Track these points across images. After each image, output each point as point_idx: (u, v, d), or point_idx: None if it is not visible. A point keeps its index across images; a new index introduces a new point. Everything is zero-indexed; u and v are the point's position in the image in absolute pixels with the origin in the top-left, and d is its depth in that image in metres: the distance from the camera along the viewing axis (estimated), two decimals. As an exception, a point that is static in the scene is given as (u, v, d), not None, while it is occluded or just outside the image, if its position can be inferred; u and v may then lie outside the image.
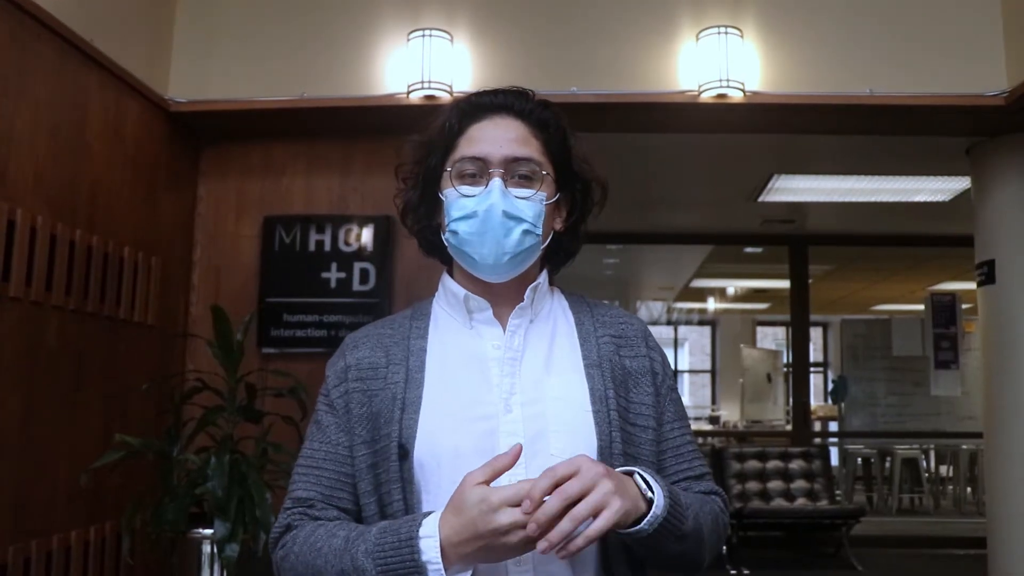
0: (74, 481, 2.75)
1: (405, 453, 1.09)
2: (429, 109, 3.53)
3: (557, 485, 0.93)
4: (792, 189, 5.10)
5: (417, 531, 0.99)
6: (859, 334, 7.37)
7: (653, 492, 1.02)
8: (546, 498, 0.93)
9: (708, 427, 11.69)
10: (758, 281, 9.66)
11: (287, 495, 1.17)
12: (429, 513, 1.02)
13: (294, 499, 1.15)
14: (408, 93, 3.48)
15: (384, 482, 1.10)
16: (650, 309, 12.19)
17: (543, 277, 1.22)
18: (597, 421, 1.12)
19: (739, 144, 4.34)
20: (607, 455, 1.10)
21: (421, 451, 1.09)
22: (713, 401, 13.92)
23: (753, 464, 5.94)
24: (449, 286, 1.21)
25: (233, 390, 2.76)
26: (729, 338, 13.33)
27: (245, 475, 2.56)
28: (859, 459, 8.07)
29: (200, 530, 2.61)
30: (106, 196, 3.18)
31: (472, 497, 0.95)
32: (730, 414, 12.01)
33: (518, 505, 0.93)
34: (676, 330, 14.44)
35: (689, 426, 1.25)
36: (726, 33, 3.36)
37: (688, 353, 15.22)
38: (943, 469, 8.39)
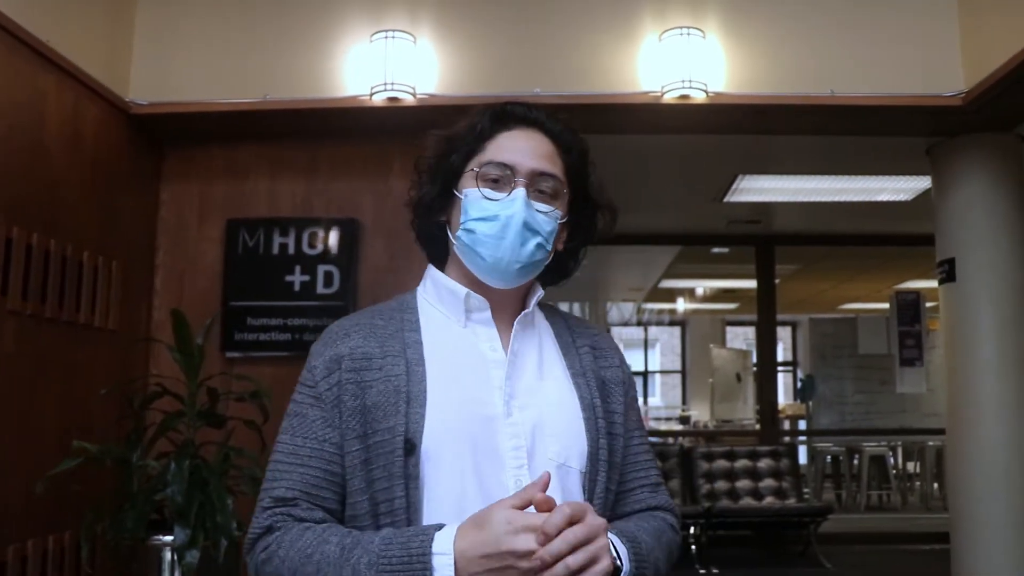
0: (31, 490, 2.69)
1: (412, 448, 1.06)
2: (392, 111, 3.59)
3: (569, 523, 0.95)
4: (757, 189, 5.14)
5: (430, 547, 0.97)
6: (826, 333, 7.46)
7: (621, 560, 1.04)
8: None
9: (679, 427, 11.73)
10: (726, 281, 9.70)
11: (264, 492, 1.10)
12: (439, 526, 1.00)
13: (275, 498, 1.09)
14: (371, 95, 3.46)
15: (379, 479, 1.07)
16: (621, 310, 12.22)
17: (540, 288, 1.26)
18: (587, 428, 1.16)
19: (704, 145, 4.36)
20: (594, 461, 1.15)
21: (429, 446, 1.07)
22: (683, 401, 13.98)
23: (722, 463, 5.97)
24: (443, 282, 1.22)
25: (194, 395, 2.73)
26: (699, 338, 13.39)
27: (206, 480, 2.53)
28: (828, 457, 8.15)
29: (160, 537, 2.57)
30: (65, 199, 3.12)
31: (501, 516, 0.95)
32: (700, 414, 12.06)
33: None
34: (646, 330, 14.50)
35: (647, 435, 1.30)
36: (688, 34, 3.38)
37: (659, 354, 15.27)
38: (910, 466, 8.49)
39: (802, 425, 9.86)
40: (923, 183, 4.78)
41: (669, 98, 3.40)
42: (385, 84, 3.42)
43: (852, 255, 7.36)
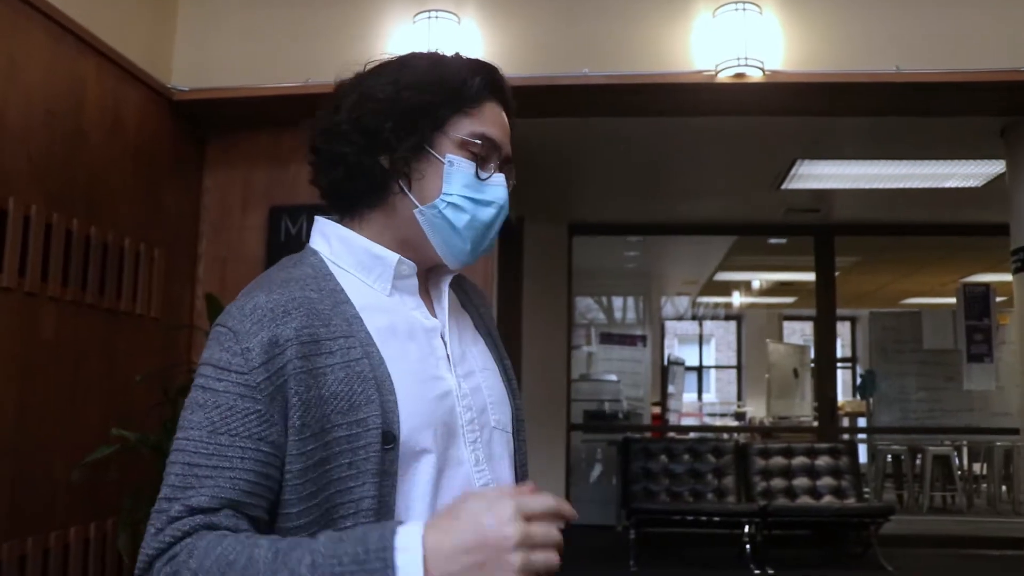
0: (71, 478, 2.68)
1: (391, 440, 0.93)
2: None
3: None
4: (816, 176, 4.92)
5: (392, 540, 0.81)
6: (888, 327, 7.15)
7: None
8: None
9: (734, 423, 11.51)
10: (783, 274, 9.45)
11: (169, 501, 0.87)
12: (398, 523, 0.84)
13: (191, 507, 0.87)
14: (414, 78, 3.36)
15: (340, 479, 0.92)
16: (675, 304, 12.05)
17: None
18: (508, 388, 1.13)
19: (760, 128, 4.18)
20: (517, 420, 1.14)
21: (407, 436, 0.95)
22: (739, 397, 13.73)
23: (778, 460, 5.77)
24: (361, 244, 1.06)
25: (230, 382, 2.66)
26: (755, 333, 13.09)
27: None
28: (888, 456, 7.86)
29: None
30: (105, 185, 3.11)
31: (481, 502, 0.83)
32: (756, 410, 11.82)
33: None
34: (701, 325, 14.27)
35: None
36: (744, 9, 3.22)
37: (714, 348, 15.04)
38: (976, 467, 8.14)
39: (862, 422, 9.54)
40: (995, 167, 4.52)
41: (724, 77, 3.25)
42: (427, 66, 3.32)
43: (916, 246, 7.06)
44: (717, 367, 14.97)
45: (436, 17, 3.36)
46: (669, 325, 13.31)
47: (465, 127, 1.05)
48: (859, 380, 8.58)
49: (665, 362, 9.98)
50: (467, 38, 3.41)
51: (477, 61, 1.09)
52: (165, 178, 3.55)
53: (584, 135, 4.46)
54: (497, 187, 1.06)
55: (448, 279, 1.11)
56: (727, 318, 13.84)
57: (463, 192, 1.04)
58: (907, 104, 3.45)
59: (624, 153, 4.75)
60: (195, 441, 0.91)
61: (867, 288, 9.58)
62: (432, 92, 1.04)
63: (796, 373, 10.72)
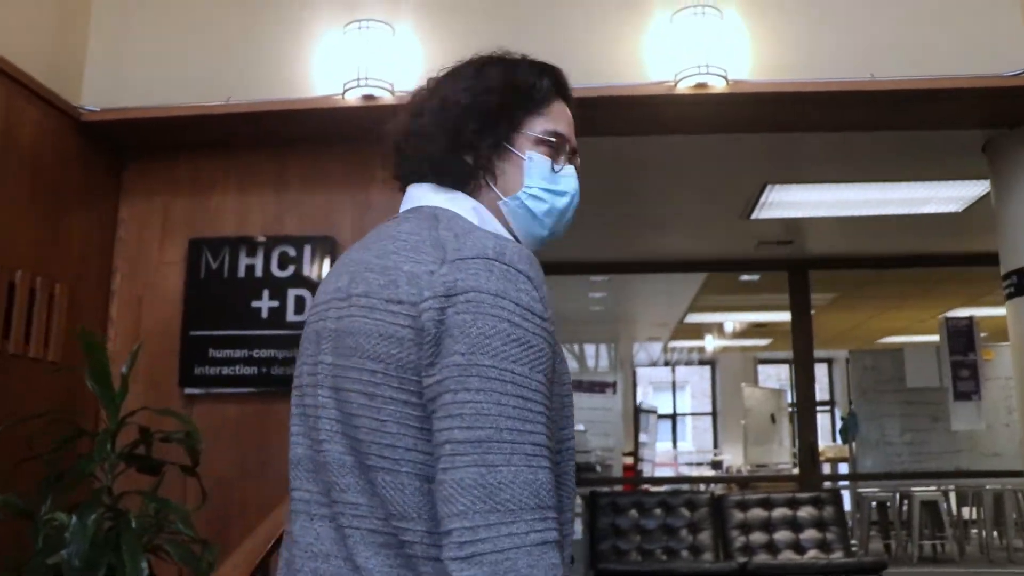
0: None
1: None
2: (369, 111, 3.16)
3: None
4: (788, 203, 4.64)
5: None
6: (869, 367, 6.84)
7: None
8: None
9: (710, 472, 11.14)
10: (757, 314, 9.24)
11: (524, 438, 0.92)
12: None
13: (550, 452, 0.96)
14: (344, 93, 3.05)
15: (565, 415, 1.07)
16: (648, 351, 11.78)
17: None
18: None
19: (727, 149, 3.90)
20: None
21: None
22: (715, 445, 13.38)
23: (757, 513, 5.38)
24: (495, 223, 1.16)
25: (111, 433, 2.27)
26: (730, 378, 12.89)
27: (119, 538, 2.05)
28: (873, 503, 7.51)
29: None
30: (-9, 210, 2.74)
31: None
32: (733, 458, 11.51)
33: None
34: (674, 371, 13.97)
35: None
36: (703, 13, 2.94)
37: (689, 395, 14.72)
38: (965, 511, 7.79)
39: (843, 468, 9.21)
40: (976, 189, 4.26)
41: (684, 87, 2.96)
42: (359, 80, 3.02)
43: (894, 280, 6.81)
44: (692, 414, 14.62)
45: (367, 27, 3.06)
46: (642, 372, 13.01)
47: (539, 125, 1.17)
48: (840, 423, 8.25)
49: (635, 409, 9.66)
50: (403, 48, 3.10)
51: (543, 64, 1.21)
52: (72, 207, 3.20)
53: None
54: (570, 177, 1.19)
55: None
56: (701, 363, 13.63)
57: (541, 184, 1.17)
58: (882, 116, 3.18)
59: (581, 182, 4.44)
60: (524, 376, 0.95)
61: (843, 327, 9.35)
62: (508, 96, 1.16)
63: (773, 418, 10.48)
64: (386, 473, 0.99)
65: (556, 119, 1.18)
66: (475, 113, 1.14)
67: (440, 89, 1.18)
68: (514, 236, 1.16)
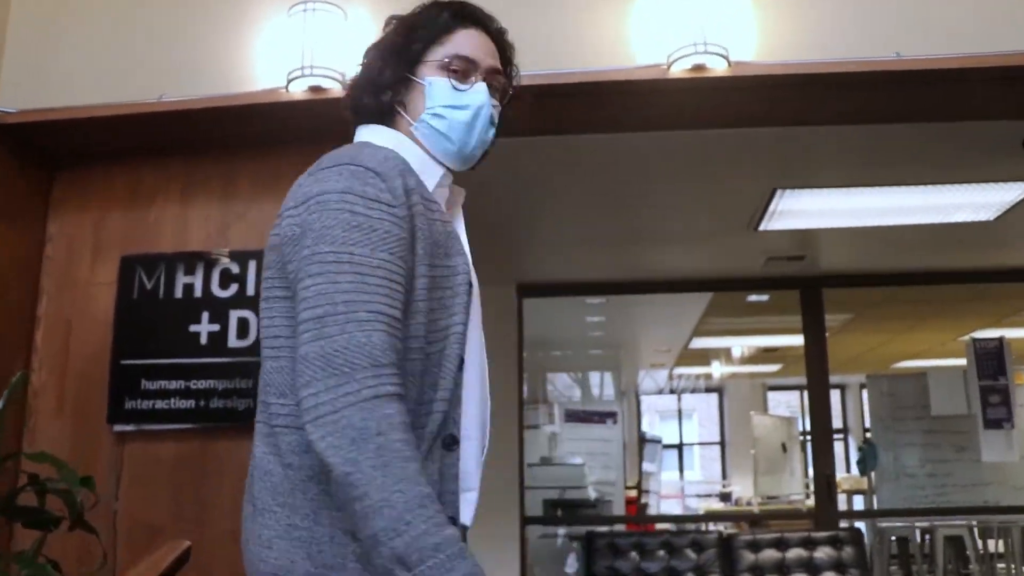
0: None
1: (470, 288, 1.26)
2: (319, 105, 2.71)
3: None
4: (799, 211, 4.20)
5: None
6: (888, 393, 6.36)
7: None
8: None
9: (719, 505, 10.65)
10: (766, 337, 8.77)
11: (352, 307, 1.08)
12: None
13: (388, 318, 1.10)
14: (288, 84, 2.66)
15: (443, 306, 1.20)
16: (655, 378, 11.36)
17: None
18: None
19: (731, 149, 3.48)
20: None
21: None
22: (723, 475, 12.87)
23: (770, 554, 4.90)
24: (415, 150, 1.35)
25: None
26: (738, 406, 12.41)
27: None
28: (892, 537, 7.02)
29: None
30: None
31: None
32: (743, 489, 11.02)
33: None
34: (680, 399, 13.50)
35: None
36: (701, -17, 2.53)
37: (696, 424, 14.24)
38: (991, 543, 7.27)
39: (858, 501, 8.71)
40: (1012, 193, 3.82)
41: (678, 70, 2.54)
42: (303, 68, 2.61)
43: (915, 298, 6.34)
44: (699, 444, 14.13)
45: (313, 10, 2.66)
46: (648, 401, 12.58)
47: (439, 53, 1.36)
48: (858, 454, 7.77)
49: (639, 440, 9.23)
50: (355, 37, 2.70)
51: (448, 1, 1.40)
52: None
53: (525, 174, 3.75)
54: (475, 93, 1.35)
55: (460, 194, 1.45)
56: (708, 390, 13.15)
57: (442, 103, 1.33)
58: (908, 104, 2.76)
59: (574, 196, 4.04)
60: (358, 255, 1.11)
61: (856, 350, 8.89)
62: (405, 34, 1.38)
63: (784, 447, 10.05)
64: (272, 360, 1.20)
65: (458, 44, 1.35)
66: (382, 57, 1.37)
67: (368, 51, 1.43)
68: (435, 158, 1.35)
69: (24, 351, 3.01)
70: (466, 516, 1.24)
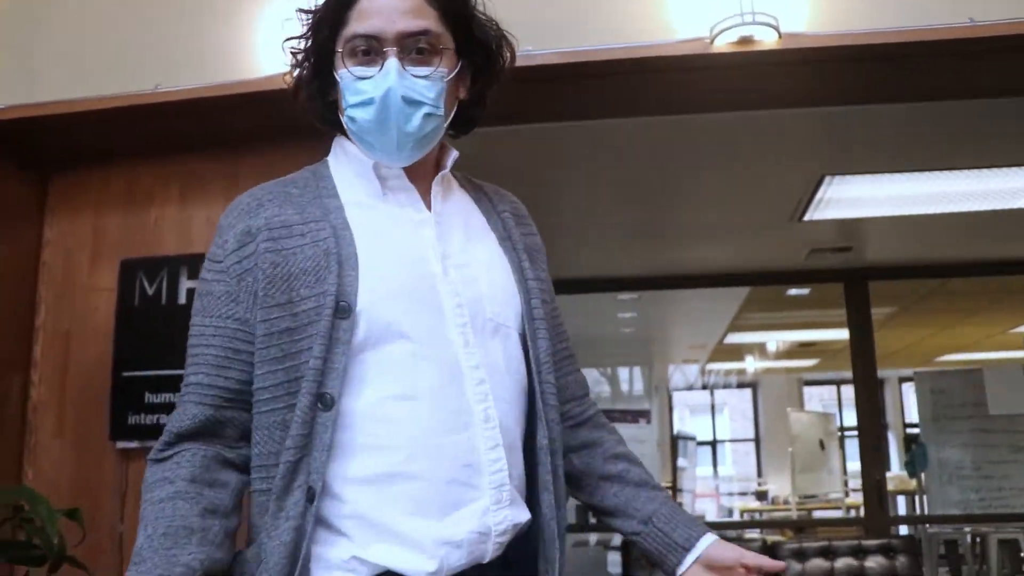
0: None
1: (345, 311, 1.06)
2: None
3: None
4: (848, 200, 3.90)
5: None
6: (940, 389, 6.04)
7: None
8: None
9: (755, 504, 10.37)
10: (804, 332, 8.47)
11: (184, 381, 1.12)
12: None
13: (197, 387, 1.10)
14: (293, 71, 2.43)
15: (307, 348, 1.05)
16: (684, 373, 11.11)
17: (453, 149, 1.24)
18: (520, 289, 1.18)
19: (777, 132, 3.22)
20: (531, 321, 1.17)
21: (365, 308, 1.06)
22: (759, 473, 12.57)
23: (818, 564, 4.60)
24: (353, 151, 1.19)
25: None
26: (773, 401, 12.12)
27: None
28: (942, 540, 6.72)
29: None
30: None
31: None
32: (780, 488, 10.75)
33: None
34: (712, 395, 13.20)
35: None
36: (748, -54, 2.27)
37: (727, 418, 13.95)
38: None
39: (900, 504, 8.37)
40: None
41: (722, 44, 2.29)
42: (310, 51, 2.39)
43: (962, 290, 6.02)
44: (733, 440, 13.83)
45: (322, -14, 2.43)
46: (678, 396, 12.33)
47: (342, 37, 1.13)
48: (906, 454, 7.45)
49: (672, 438, 8.99)
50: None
51: None
52: None
53: (550, 163, 3.51)
54: (379, 79, 1.10)
55: (436, 178, 1.20)
56: (740, 385, 12.89)
57: (352, 102, 1.12)
58: (982, 77, 2.48)
59: (603, 186, 3.79)
60: (193, 327, 1.13)
61: (897, 345, 8.57)
62: (314, 23, 1.16)
63: (822, 445, 9.74)
64: None
65: (361, 18, 1.12)
66: (302, 61, 1.19)
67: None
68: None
69: (23, 365, 2.86)
70: (434, 555, 1.04)
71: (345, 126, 1.16)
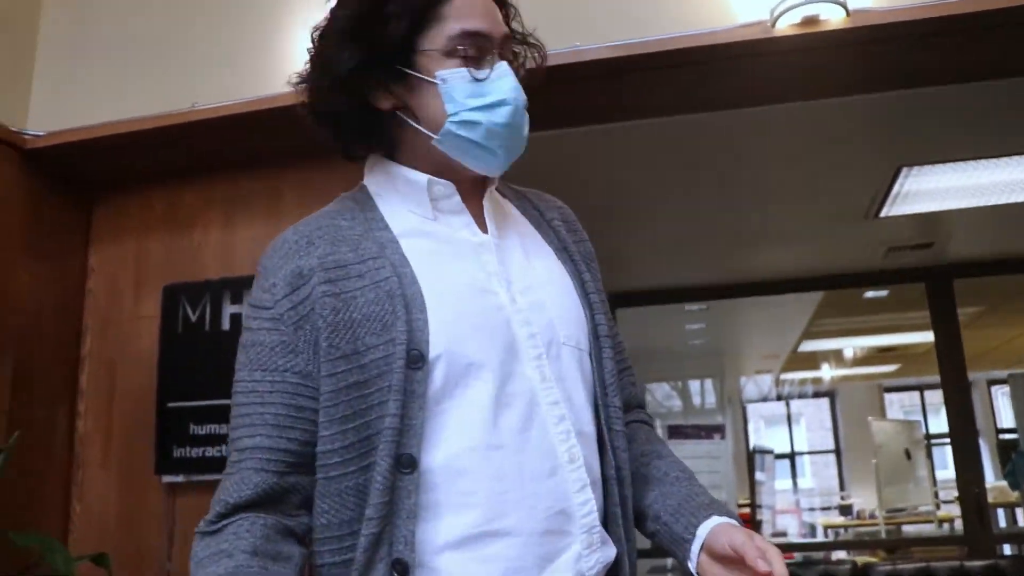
0: None
1: (418, 359, 0.96)
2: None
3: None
4: (928, 192, 3.66)
5: None
6: (1036, 392, 5.68)
7: None
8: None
9: (839, 519, 9.93)
10: (884, 337, 8.14)
11: (231, 445, 1.02)
12: None
13: (252, 451, 0.98)
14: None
15: (379, 403, 0.96)
16: (758, 384, 10.78)
17: None
18: (583, 304, 1.12)
19: (848, 122, 3.02)
20: (597, 338, 1.11)
21: (446, 353, 0.97)
22: (841, 486, 12.09)
23: (916, 587, 4.31)
24: (402, 172, 1.09)
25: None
26: (852, 410, 11.67)
27: None
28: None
29: None
30: None
31: None
32: (864, 501, 10.29)
33: None
34: (788, 405, 12.80)
35: None
36: (809, -85, 2.08)
37: (804, 429, 13.50)
38: None
39: (1000, 516, 7.88)
40: None
41: (785, 26, 2.11)
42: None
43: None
44: (811, 452, 13.38)
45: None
46: (752, 407, 11.99)
47: (439, 34, 1.03)
48: (1008, 465, 7.03)
49: (750, 450, 8.69)
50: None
51: None
52: (16, 257, 2.61)
53: (609, 170, 3.36)
54: (501, 80, 1.03)
55: (486, 194, 1.10)
56: (816, 395, 12.47)
57: (467, 104, 1.02)
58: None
59: (663, 192, 3.63)
60: (239, 382, 1.03)
61: (984, 346, 8.17)
62: (375, 8, 1.03)
63: (908, 454, 9.30)
64: None
65: (460, 14, 1.03)
66: (357, 50, 1.04)
67: (319, 41, 1.14)
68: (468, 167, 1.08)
69: (69, 395, 2.82)
70: None
71: (446, 134, 1.04)
